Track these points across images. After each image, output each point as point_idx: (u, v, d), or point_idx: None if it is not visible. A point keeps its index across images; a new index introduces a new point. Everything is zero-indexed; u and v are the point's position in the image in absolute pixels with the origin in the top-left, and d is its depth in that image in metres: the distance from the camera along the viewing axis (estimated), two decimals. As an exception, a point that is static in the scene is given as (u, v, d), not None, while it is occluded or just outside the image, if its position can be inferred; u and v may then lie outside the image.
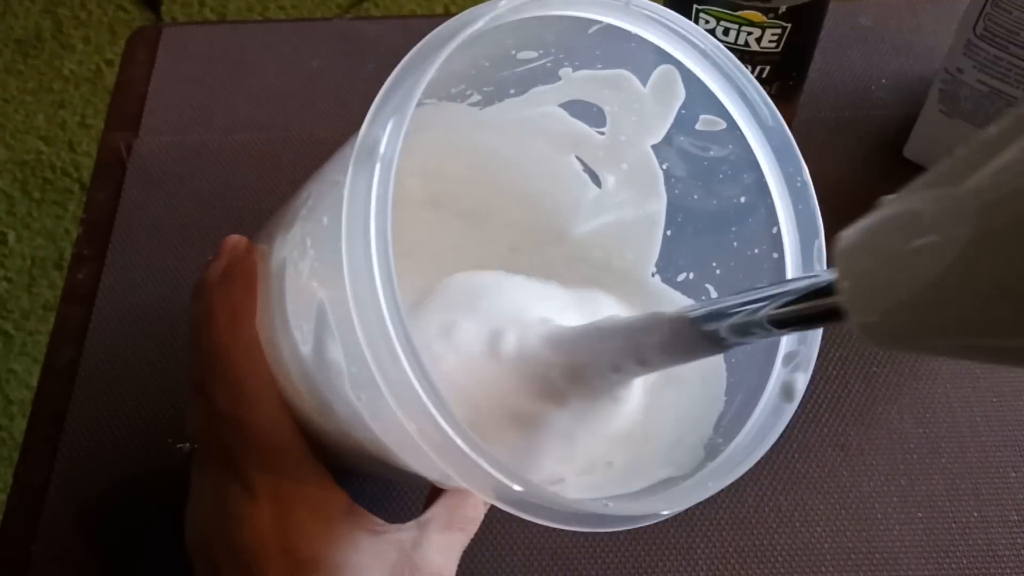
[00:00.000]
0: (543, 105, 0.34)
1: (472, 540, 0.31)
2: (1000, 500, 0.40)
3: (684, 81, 0.31)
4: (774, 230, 0.30)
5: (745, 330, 0.24)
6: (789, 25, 0.38)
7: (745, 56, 0.40)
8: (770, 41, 0.39)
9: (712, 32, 0.39)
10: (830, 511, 0.40)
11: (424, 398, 0.23)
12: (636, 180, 0.35)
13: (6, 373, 1.15)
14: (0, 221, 1.27)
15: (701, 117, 0.32)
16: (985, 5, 0.41)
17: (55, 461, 0.41)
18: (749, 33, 0.39)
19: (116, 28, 1.44)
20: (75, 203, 1.28)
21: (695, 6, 0.39)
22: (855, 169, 0.49)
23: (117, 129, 0.51)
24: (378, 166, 0.23)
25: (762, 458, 0.41)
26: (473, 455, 0.23)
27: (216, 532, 0.30)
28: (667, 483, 0.28)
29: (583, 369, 0.30)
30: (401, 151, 0.31)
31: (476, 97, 0.34)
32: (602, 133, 0.34)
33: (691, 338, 0.26)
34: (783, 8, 0.38)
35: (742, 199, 0.32)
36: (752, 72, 0.40)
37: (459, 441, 0.23)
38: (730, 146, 0.31)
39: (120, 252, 0.47)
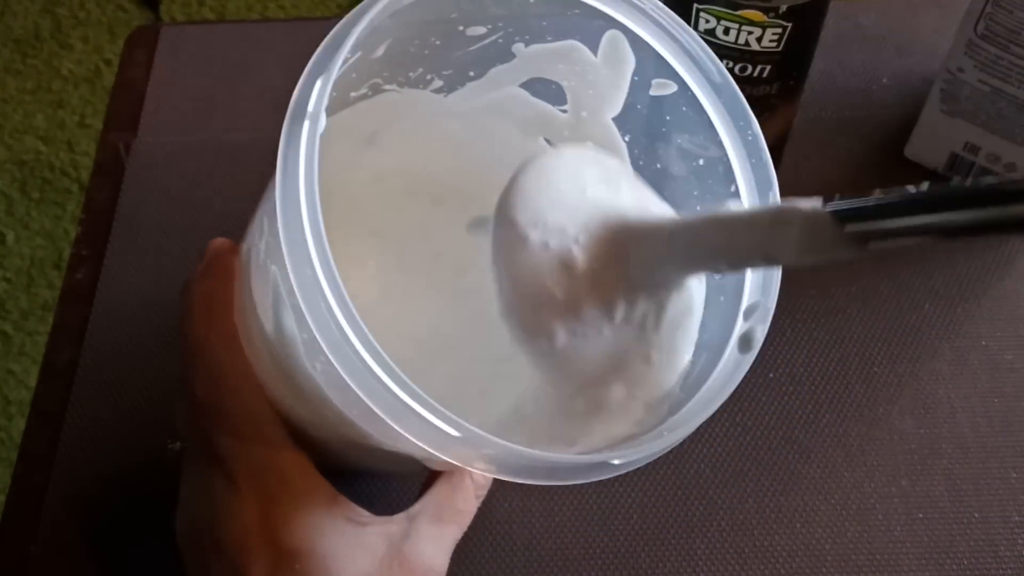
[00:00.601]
0: (504, 87, 0.34)
1: (471, 540, 0.31)
2: (1001, 501, 0.40)
3: (632, 46, 0.31)
4: (732, 188, 0.30)
5: (897, 235, 0.22)
6: (790, 24, 0.38)
7: (746, 56, 0.40)
8: (771, 41, 0.39)
9: (712, 31, 0.39)
10: (831, 512, 0.40)
11: (351, 335, 0.23)
12: None
13: (4, 373, 1.15)
14: (-1, 221, 1.27)
15: (653, 81, 0.31)
16: (986, 5, 0.41)
17: (54, 462, 0.41)
18: (750, 32, 0.39)
19: (115, 28, 1.44)
20: (74, 203, 1.28)
21: (695, 5, 0.39)
22: (856, 168, 0.49)
23: (116, 129, 0.51)
24: (307, 123, 0.24)
25: (762, 459, 0.41)
26: (403, 395, 0.23)
27: (203, 525, 0.30)
28: (627, 439, 0.28)
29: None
30: (378, 146, 0.31)
31: (438, 83, 0.34)
32: (564, 111, 0.34)
33: (829, 238, 0.23)
34: (784, 7, 0.38)
35: (701, 161, 0.32)
36: (752, 72, 0.40)
37: (386, 379, 0.23)
38: (683, 108, 0.31)
39: (119, 252, 0.47)
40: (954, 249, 0.46)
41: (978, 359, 0.43)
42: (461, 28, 0.32)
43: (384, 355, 0.23)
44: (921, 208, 0.22)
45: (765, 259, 0.26)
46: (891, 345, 0.44)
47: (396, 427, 0.23)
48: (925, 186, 0.22)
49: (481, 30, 0.32)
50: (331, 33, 0.27)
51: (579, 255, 0.28)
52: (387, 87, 0.34)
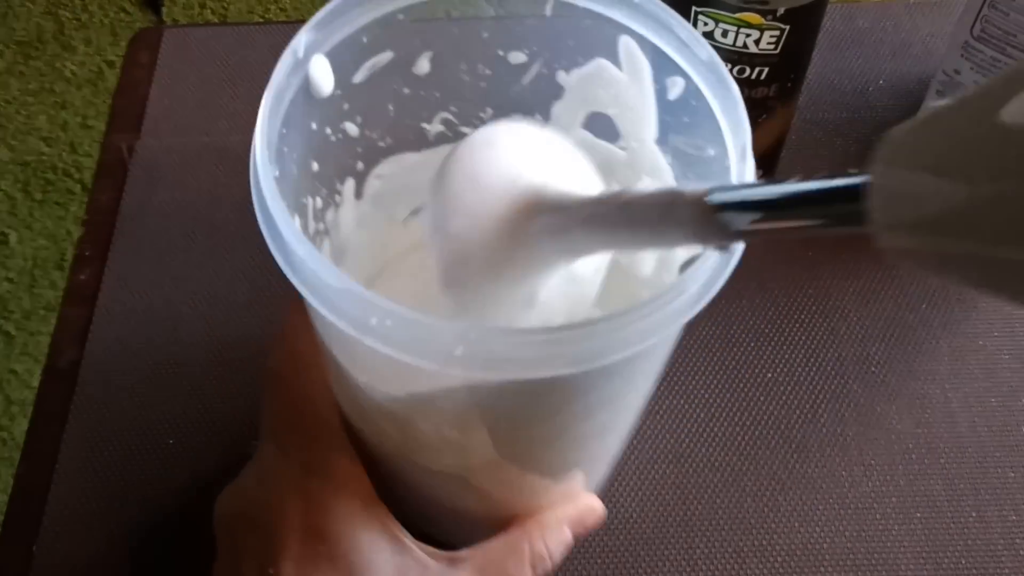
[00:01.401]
0: (572, 130, 0.33)
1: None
2: (998, 500, 0.40)
3: (641, 48, 0.30)
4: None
5: (769, 229, 0.22)
6: (787, 27, 0.39)
7: (744, 58, 0.40)
8: (768, 43, 0.39)
9: (711, 34, 0.39)
10: (829, 511, 0.40)
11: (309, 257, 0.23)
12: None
13: (7, 374, 1.15)
14: (2, 222, 1.27)
15: (667, 82, 0.30)
16: (982, 7, 0.41)
17: (56, 462, 0.41)
18: (747, 35, 0.39)
19: (117, 30, 1.45)
20: (76, 204, 1.28)
21: (693, 8, 0.39)
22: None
23: (119, 131, 0.51)
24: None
25: (761, 458, 0.41)
26: (337, 284, 0.23)
27: (247, 506, 0.31)
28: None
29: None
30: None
31: None
32: (623, 148, 0.33)
33: (712, 227, 0.22)
34: (781, 10, 0.38)
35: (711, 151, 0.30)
36: (750, 74, 0.40)
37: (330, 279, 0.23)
38: (693, 103, 0.30)
39: (122, 253, 0.47)
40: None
41: (975, 359, 0.44)
42: (501, 53, 0.32)
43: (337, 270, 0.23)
44: (792, 201, 0.21)
45: (658, 243, 0.26)
46: (889, 345, 0.44)
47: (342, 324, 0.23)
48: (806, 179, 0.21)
49: (522, 57, 0.32)
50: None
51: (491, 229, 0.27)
52: (465, 130, 0.34)
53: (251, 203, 0.25)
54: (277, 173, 0.26)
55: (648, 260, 0.34)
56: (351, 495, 0.29)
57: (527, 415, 0.28)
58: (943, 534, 0.39)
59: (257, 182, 0.25)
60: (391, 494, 0.32)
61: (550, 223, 0.26)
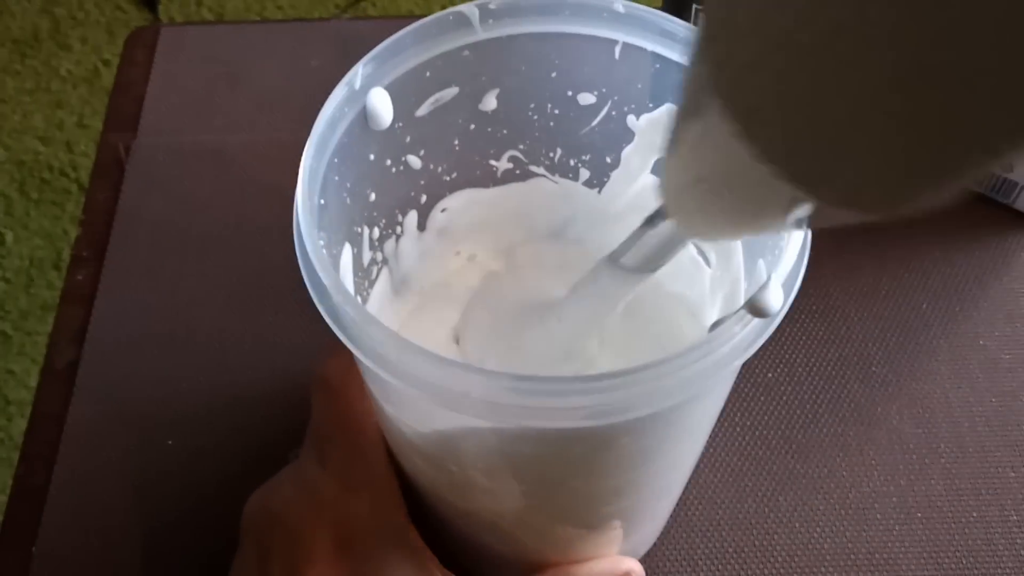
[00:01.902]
0: (640, 174, 0.33)
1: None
2: (999, 500, 0.40)
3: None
4: None
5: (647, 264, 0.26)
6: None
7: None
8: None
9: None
10: (829, 511, 0.40)
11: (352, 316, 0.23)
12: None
13: (4, 374, 1.15)
14: (-2, 221, 1.27)
15: None
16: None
17: (55, 463, 0.41)
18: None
19: (113, 28, 1.44)
20: (73, 203, 1.28)
21: (694, 6, 0.39)
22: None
23: (116, 130, 0.51)
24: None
25: (761, 458, 0.41)
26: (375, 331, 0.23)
27: (278, 506, 0.31)
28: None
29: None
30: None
31: (585, 173, 0.34)
32: None
33: (618, 273, 0.27)
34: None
35: None
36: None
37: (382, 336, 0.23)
38: None
39: (119, 253, 0.47)
40: (952, 249, 0.46)
41: (976, 358, 0.43)
42: (570, 94, 0.31)
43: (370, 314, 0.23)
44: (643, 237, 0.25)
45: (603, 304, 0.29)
46: (889, 345, 0.44)
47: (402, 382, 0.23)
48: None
49: (591, 98, 0.31)
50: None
51: None
52: (534, 169, 0.34)
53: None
54: (322, 201, 0.26)
55: (680, 274, 0.34)
56: (385, 517, 0.30)
57: (552, 462, 0.27)
58: (944, 534, 0.39)
59: (296, 211, 0.25)
60: (425, 521, 0.32)
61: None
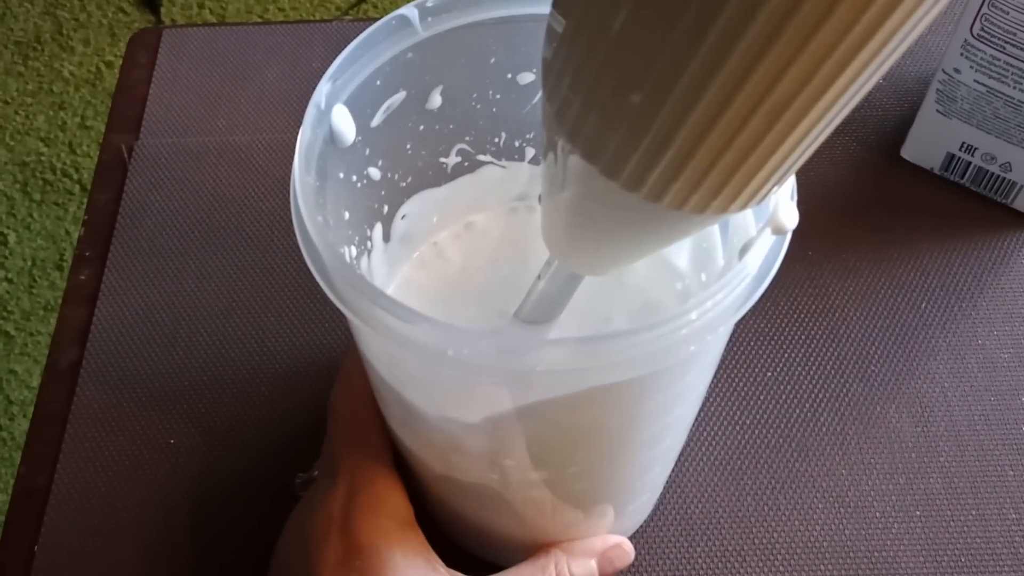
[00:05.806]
0: None
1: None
2: (998, 498, 0.40)
3: None
4: None
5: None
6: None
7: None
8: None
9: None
10: (829, 510, 0.40)
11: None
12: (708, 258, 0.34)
13: (7, 374, 1.15)
14: (0, 222, 1.27)
15: None
16: (982, 5, 0.41)
17: (57, 463, 0.41)
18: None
19: (116, 30, 1.45)
20: (75, 204, 1.28)
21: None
22: (853, 170, 0.49)
23: (118, 131, 0.51)
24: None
25: (761, 457, 0.41)
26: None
27: (297, 523, 0.33)
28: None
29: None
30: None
31: (531, 152, 0.35)
32: None
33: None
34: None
35: None
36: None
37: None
38: None
39: (122, 253, 0.47)
40: (951, 249, 0.46)
41: (975, 358, 0.44)
42: (510, 76, 0.32)
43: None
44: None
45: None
46: (888, 344, 0.44)
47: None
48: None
49: (530, 77, 0.32)
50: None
51: None
52: (481, 158, 0.34)
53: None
54: (320, 219, 0.26)
55: (683, 253, 0.35)
56: (389, 515, 0.31)
57: (559, 420, 0.28)
58: (943, 532, 0.40)
59: (297, 208, 0.25)
60: (431, 514, 0.33)
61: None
